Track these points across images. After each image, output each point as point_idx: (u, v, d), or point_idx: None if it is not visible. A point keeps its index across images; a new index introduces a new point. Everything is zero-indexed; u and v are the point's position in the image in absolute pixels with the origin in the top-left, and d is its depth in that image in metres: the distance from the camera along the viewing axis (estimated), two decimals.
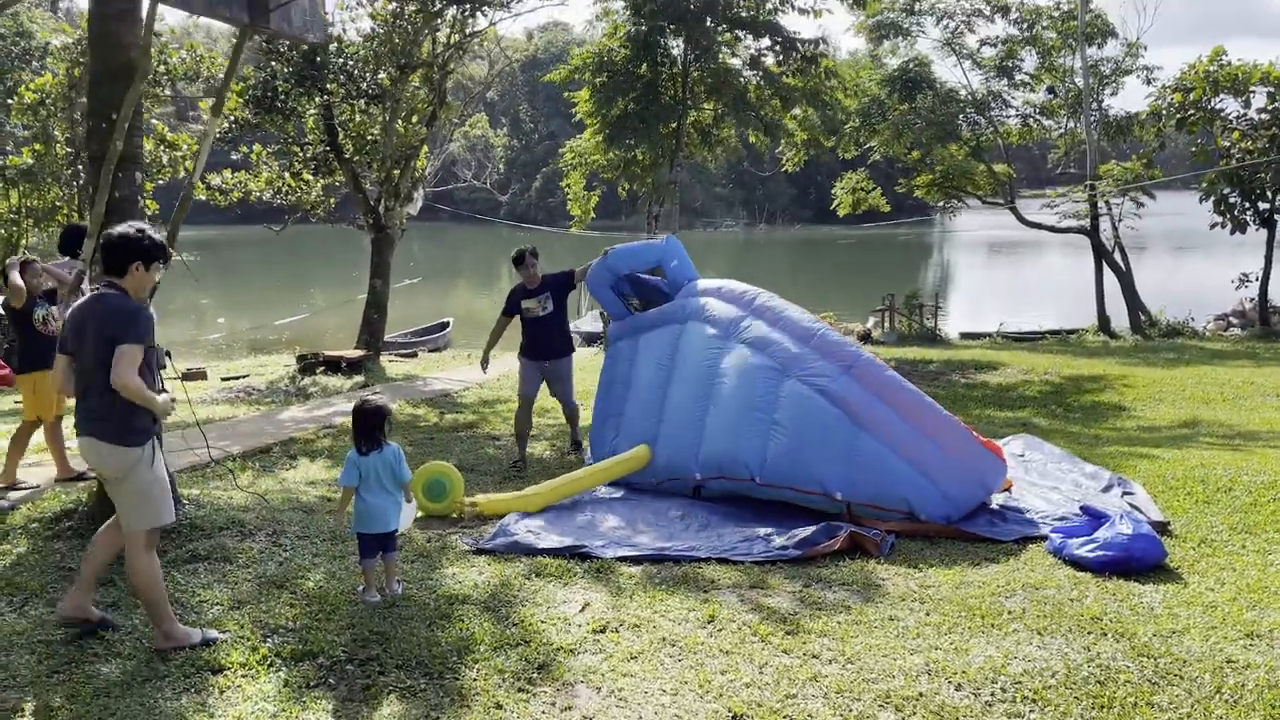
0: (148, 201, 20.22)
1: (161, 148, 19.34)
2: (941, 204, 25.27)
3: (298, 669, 3.94)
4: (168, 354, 4.35)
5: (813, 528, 5.59)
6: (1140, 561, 5.07)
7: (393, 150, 15.42)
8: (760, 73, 18.63)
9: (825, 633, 4.34)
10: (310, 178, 15.87)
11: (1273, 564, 5.17)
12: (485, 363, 8.15)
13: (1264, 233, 20.95)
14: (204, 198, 16.79)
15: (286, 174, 15.84)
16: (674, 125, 18.62)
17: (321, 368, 14.77)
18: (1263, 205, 20.77)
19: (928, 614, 4.56)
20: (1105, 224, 22.93)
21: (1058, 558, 5.35)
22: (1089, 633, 4.30)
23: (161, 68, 17.21)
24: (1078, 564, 5.20)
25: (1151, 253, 46.61)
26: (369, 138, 16.05)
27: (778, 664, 4.03)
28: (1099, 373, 13.06)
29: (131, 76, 5.07)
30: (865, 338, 20.06)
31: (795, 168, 25.37)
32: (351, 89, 14.19)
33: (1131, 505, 6.12)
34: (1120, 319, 22.55)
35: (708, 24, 17.57)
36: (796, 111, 19.86)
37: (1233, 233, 21.08)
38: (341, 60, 13.64)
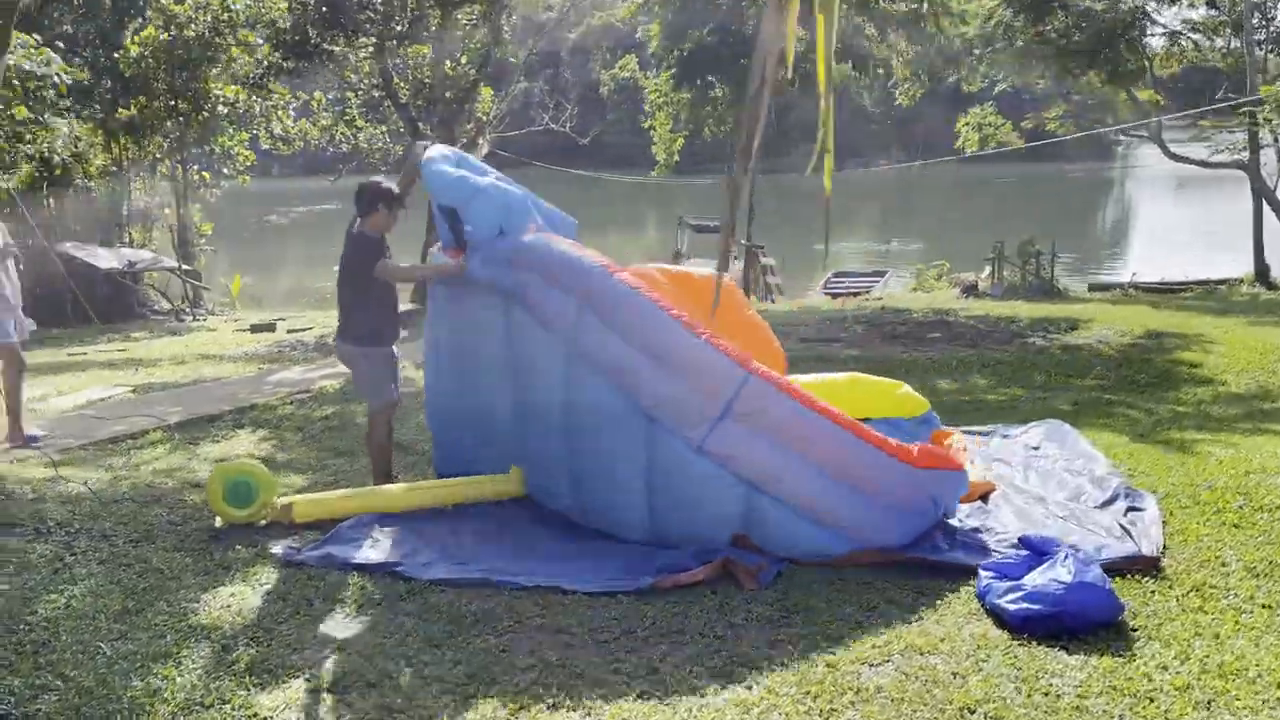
0: (244, 153, 20.42)
1: (254, 98, 19.37)
2: (1075, 136, 22.69)
3: None
4: None
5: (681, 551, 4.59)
6: (1076, 619, 3.84)
7: (443, 93, 14.78)
8: None
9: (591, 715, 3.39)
10: (363, 124, 15.45)
11: (1275, 628, 3.83)
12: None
13: None
14: (267, 146, 16.69)
15: (341, 121, 15.47)
16: None
17: None
18: None
19: (750, 688, 3.52)
20: (1268, 157, 19.92)
21: (981, 605, 4.17)
22: None
23: (225, 15, 17.12)
24: (998, 616, 4.02)
25: None
26: (425, 80, 15.44)
27: None
28: (1206, 334, 11.14)
29: None
30: (970, 290, 18.21)
31: (911, 102, 23.48)
32: (385, 31, 13.55)
33: (1124, 527, 4.81)
34: None
35: None
36: (900, 43, 17.99)
37: None
38: None
